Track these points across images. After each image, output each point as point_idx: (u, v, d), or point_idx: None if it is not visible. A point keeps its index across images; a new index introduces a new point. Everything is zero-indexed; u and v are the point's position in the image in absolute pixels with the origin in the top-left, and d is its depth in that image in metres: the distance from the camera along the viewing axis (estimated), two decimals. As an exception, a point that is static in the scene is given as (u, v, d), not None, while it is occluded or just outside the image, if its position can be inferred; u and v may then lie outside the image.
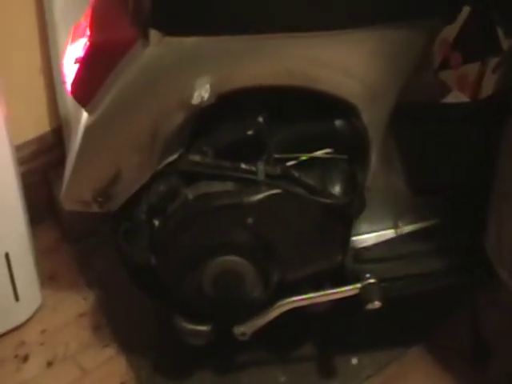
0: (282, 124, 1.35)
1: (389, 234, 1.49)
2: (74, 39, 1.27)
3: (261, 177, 1.32)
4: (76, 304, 1.73)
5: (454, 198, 1.51)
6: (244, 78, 1.26)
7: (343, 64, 1.28)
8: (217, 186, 1.35)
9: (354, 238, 1.46)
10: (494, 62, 1.75)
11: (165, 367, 1.61)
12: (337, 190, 1.35)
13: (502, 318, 1.65)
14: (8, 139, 1.49)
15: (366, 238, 1.48)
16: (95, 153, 1.32)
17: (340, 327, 1.63)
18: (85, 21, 1.25)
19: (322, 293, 1.42)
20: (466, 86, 1.88)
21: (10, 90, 1.53)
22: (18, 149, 1.60)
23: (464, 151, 1.52)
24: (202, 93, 1.25)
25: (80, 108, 1.27)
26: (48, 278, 1.76)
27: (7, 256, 1.59)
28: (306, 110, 1.35)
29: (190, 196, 1.34)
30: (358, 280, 1.42)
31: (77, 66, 1.24)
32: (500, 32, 1.54)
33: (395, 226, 1.49)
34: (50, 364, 1.63)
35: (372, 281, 1.41)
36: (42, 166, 1.79)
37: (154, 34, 1.18)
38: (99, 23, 1.23)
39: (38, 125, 1.77)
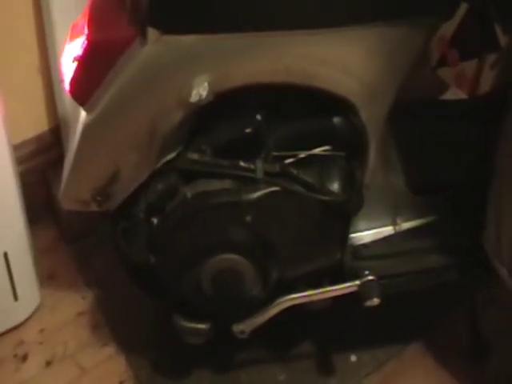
0: (280, 122, 1.35)
1: (387, 231, 1.49)
2: (72, 38, 1.27)
3: (259, 175, 1.32)
4: (75, 303, 1.73)
5: (452, 194, 1.51)
6: (242, 76, 1.26)
7: (342, 62, 1.28)
8: (215, 184, 1.35)
9: (352, 235, 1.46)
10: (491, 58, 1.76)
11: (164, 366, 1.62)
12: (335, 187, 1.35)
13: (501, 316, 1.65)
14: (6, 138, 1.49)
15: (365, 235, 1.48)
16: (94, 152, 1.32)
17: (339, 324, 1.63)
18: (83, 19, 1.25)
19: (320, 290, 1.43)
20: (464, 82, 1.88)
21: (8, 89, 1.54)
22: (16, 148, 1.60)
23: (462, 148, 1.52)
24: (200, 91, 1.25)
25: (78, 107, 1.27)
26: (47, 278, 1.76)
27: (6, 255, 1.59)
28: (305, 107, 1.35)
29: (189, 194, 1.34)
30: (356, 277, 1.42)
31: (75, 64, 1.24)
32: (498, 29, 1.54)
33: (393, 223, 1.49)
34: (48, 363, 1.63)
35: (371, 278, 1.41)
36: (40, 165, 1.79)
37: (151, 33, 1.17)
38: (97, 22, 1.23)
39: (36, 124, 1.77)
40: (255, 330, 1.47)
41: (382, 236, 1.49)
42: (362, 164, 1.40)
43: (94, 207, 1.38)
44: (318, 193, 1.34)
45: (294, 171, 1.33)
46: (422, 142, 1.53)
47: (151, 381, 1.60)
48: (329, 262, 1.43)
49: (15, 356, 1.64)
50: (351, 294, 1.42)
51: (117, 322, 1.69)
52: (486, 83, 1.80)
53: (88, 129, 1.27)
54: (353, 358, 1.62)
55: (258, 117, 1.33)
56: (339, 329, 1.64)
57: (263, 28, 1.20)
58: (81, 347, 1.65)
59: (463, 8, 1.52)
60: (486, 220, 1.38)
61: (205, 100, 1.26)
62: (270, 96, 1.31)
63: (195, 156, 1.33)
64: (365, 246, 1.48)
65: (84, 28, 1.23)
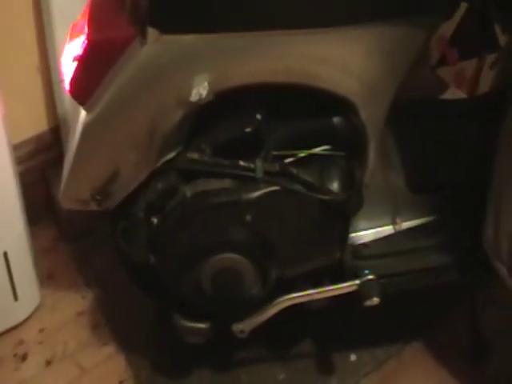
0: (280, 121, 1.35)
1: (387, 230, 1.49)
2: (71, 38, 1.27)
3: (259, 174, 1.32)
4: (75, 303, 1.73)
5: (451, 194, 1.51)
6: (242, 76, 1.26)
7: (342, 61, 1.27)
8: (215, 184, 1.35)
9: (352, 235, 1.46)
10: (491, 58, 1.76)
11: (164, 365, 1.61)
12: (335, 186, 1.35)
13: (501, 316, 1.66)
14: (6, 138, 1.49)
15: (365, 234, 1.48)
16: (93, 151, 1.32)
17: (339, 324, 1.63)
18: (83, 19, 1.25)
19: (320, 289, 1.42)
20: (463, 82, 1.88)
21: (8, 88, 1.54)
22: (16, 148, 1.60)
23: (462, 147, 1.53)
24: (200, 90, 1.25)
25: (78, 106, 1.27)
26: (46, 277, 1.76)
27: (6, 255, 1.59)
28: (304, 107, 1.35)
29: (188, 194, 1.34)
30: (356, 276, 1.42)
31: (75, 64, 1.24)
32: (497, 28, 1.54)
33: (393, 223, 1.49)
34: (48, 363, 1.63)
35: (370, 277, 1.41)
36: (40, 164, 1.79)
37: (151, 32, 1.17)
38: (97, 21, 1.23)
39: (36, 124, 1.77)
40: (255, 330, 1.47)
41: (381, 235, 1.49)
42: (362, 163, 1.40)
43: (93, 206, 1.38)
44: (317, 192, 1.34)
45: (294, 171, 1.33)
46: (422, 141, 1.53)
47: (151, 381, 1.60)
48: (328, 261, 1.43)
49: (15, 355, 1.64)
50: (351, 293, 1.42)
51: (117, 322, 1.69)
52: (486, 83, 1.80)
53: (88, 128, 1.27)
54: (352, 357, 1.63)
55: (258, 116, 1.33)
56: (339, 328, 1.64)
57: (263, 27, 1.20)
58: (81, 347, 1.65)
59: (463, 8, 1.52)
60: (485, 219, 1.39)
61: (205, 99, 1.26)
62: (269, 95, 1.31)
63: (195, 155, 1.33)
64: (364, 245, 1.48)
65: (84, 28, 1.23)
